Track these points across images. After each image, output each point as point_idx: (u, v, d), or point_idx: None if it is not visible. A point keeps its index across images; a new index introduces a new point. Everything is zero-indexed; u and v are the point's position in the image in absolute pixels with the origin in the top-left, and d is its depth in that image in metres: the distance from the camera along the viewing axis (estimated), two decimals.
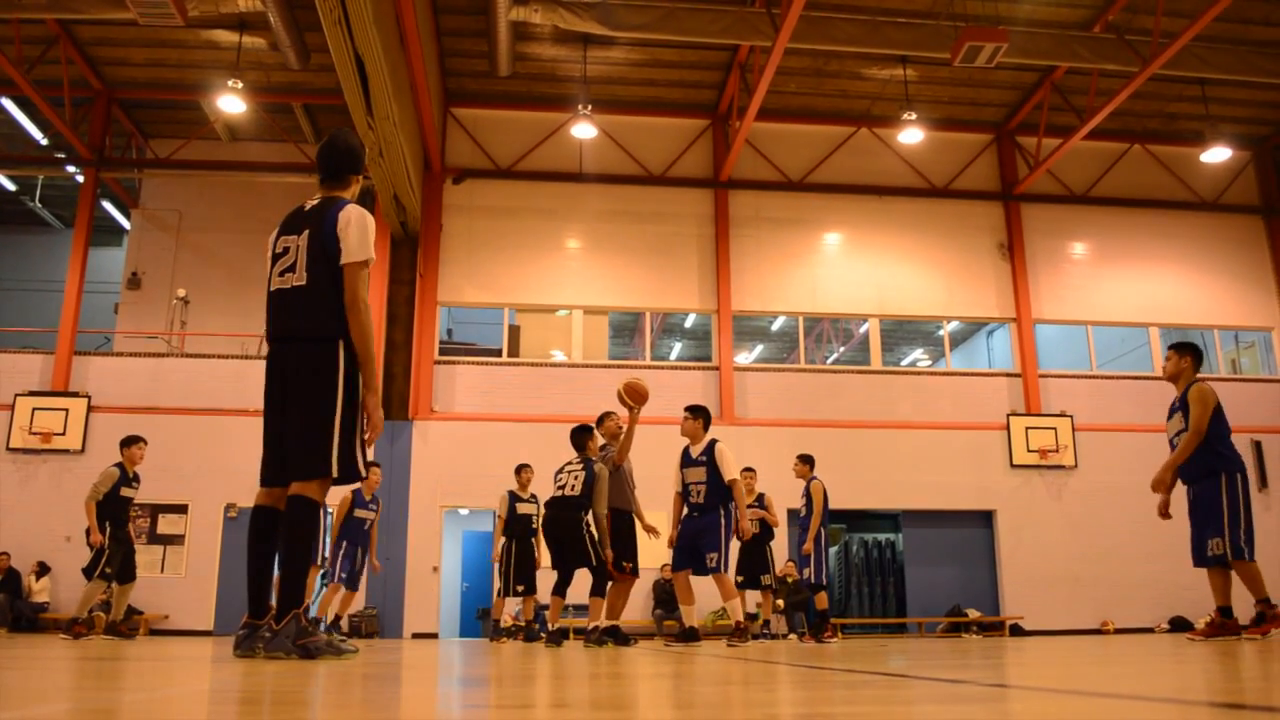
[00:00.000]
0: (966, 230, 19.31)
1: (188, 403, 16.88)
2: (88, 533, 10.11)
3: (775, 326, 24.12)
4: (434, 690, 3.13)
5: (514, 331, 18.40)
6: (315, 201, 4.70)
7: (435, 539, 16.62)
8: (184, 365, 17.37)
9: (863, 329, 20.97)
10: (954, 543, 17.85)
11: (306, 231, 4.56)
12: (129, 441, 10.46)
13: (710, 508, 8.29)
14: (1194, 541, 7.22)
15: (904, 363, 27.39)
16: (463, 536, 20.63)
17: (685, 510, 8.47)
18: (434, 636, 16.02)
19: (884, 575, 20.24)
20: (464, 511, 18.64)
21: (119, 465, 10.35)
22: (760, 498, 11.80)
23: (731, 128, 17.98)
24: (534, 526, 11.60)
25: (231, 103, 16.61)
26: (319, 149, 4.90)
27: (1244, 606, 7.13)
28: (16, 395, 16.60)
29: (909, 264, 19.13)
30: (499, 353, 18.19)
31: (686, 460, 8.49)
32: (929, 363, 27.12)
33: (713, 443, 8.43)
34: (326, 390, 4.41)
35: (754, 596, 12.00)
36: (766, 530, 11.68)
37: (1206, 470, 7.10)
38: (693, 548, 8.33)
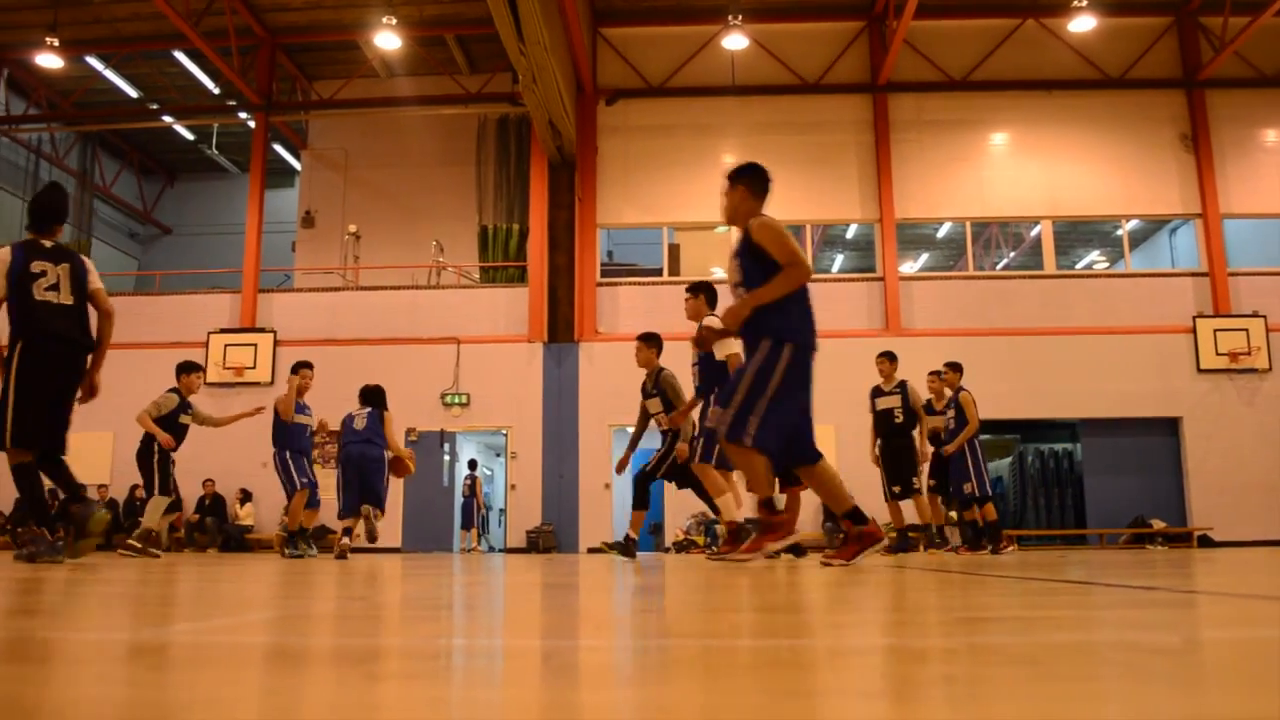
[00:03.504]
0: (1145, 122, 18.18)
1: (365, 333, 17.62)
2: (140, 454, 9.50)
3: (941, 234, 23.36)
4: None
5: (674, 250, 18.42)
6: (49, 243, 5.98)
7: (605, 457, 16.95)
8: (359, 298, 18.12)
9: (1034, 232, 20.11)
10: (1136, 452, 17.17)
11: (67, 265, 5.91)
12: (187, 368, 9.87)
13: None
14: None
15: (1079, 265, 26.18)
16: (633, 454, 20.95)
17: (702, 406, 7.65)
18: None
19: (1060, 486, 19.61)
20: (632, 429, 18.92)
21: (175, 391, 9.66)
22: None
23: (888, 27, 17.31)
24: (896, 421, 10.50)
25: (388, 39, 16.96)
26: (37, 199, 6.19)
27: None
28: (210, 333, 17.69)
29: (1083, 161, 18.17)
30: (660, 272, 18.26)
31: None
32: (1107, 264, 25.84)
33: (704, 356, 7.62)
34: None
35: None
36: (910, 434, 10.65)
37: None
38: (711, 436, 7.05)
